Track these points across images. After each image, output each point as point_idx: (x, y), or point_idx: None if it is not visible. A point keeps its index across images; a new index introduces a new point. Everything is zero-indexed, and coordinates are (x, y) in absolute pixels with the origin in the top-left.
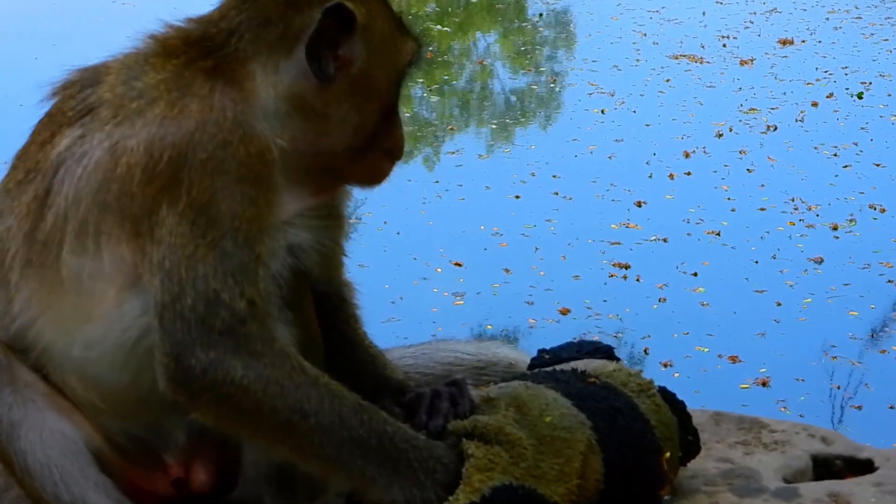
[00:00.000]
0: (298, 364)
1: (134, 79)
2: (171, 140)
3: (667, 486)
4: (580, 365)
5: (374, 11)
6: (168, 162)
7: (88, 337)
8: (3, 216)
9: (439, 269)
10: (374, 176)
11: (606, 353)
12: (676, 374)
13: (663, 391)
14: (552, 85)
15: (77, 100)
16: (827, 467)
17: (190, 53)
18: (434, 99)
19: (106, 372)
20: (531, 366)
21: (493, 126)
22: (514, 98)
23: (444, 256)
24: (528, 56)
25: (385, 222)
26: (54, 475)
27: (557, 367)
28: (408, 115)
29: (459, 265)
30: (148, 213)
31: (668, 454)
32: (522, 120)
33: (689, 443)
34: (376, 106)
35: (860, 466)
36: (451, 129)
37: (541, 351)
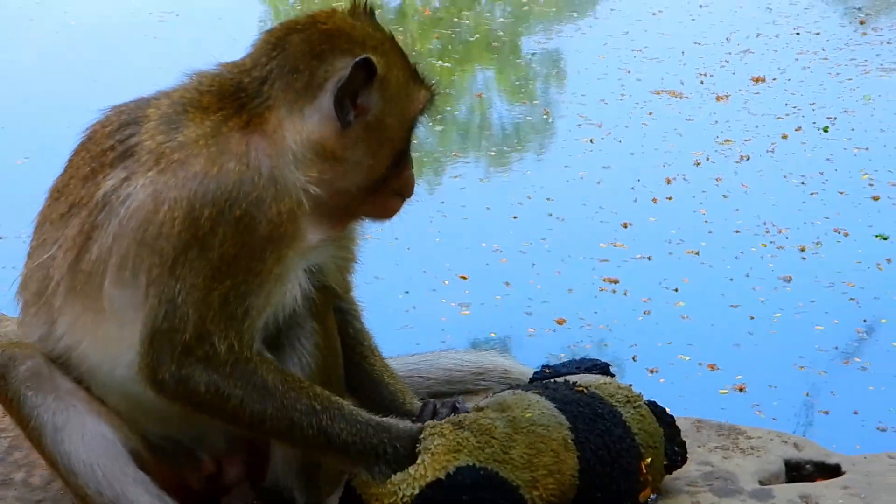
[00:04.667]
0: (272, 372)
1: (174, 130)
2: (212, 198)
3: (647, 491)
4: (573, 378)
5: (392, 63)
6: (208, 217)
7: (131, 360)
8: (47, 245)
9: (447, 282)
10: (384, 212)
11: (603, 369)
12: (662, 380)
13: (652, 405)
14: (545, 116)
15: (116, 139)
16: (798, 471)
17: (226, 109)
18: (438, 128)
19: (149, 391)
20: (533, 380)
21: (492, 153)
22: (510, 128)
23: (450, 270)
24: (523, 90)
25: (396, 238)
26: (97, 474)
27: (552, 380)
28: (414, 142)
29: (465, 278)
30: (176, 251)
31: (648, 459)
32: (519, 148)
33: (676, 453)
34: (388, 150)
35: (829, 470)
36: (455, 155)
37: (543, 366)
